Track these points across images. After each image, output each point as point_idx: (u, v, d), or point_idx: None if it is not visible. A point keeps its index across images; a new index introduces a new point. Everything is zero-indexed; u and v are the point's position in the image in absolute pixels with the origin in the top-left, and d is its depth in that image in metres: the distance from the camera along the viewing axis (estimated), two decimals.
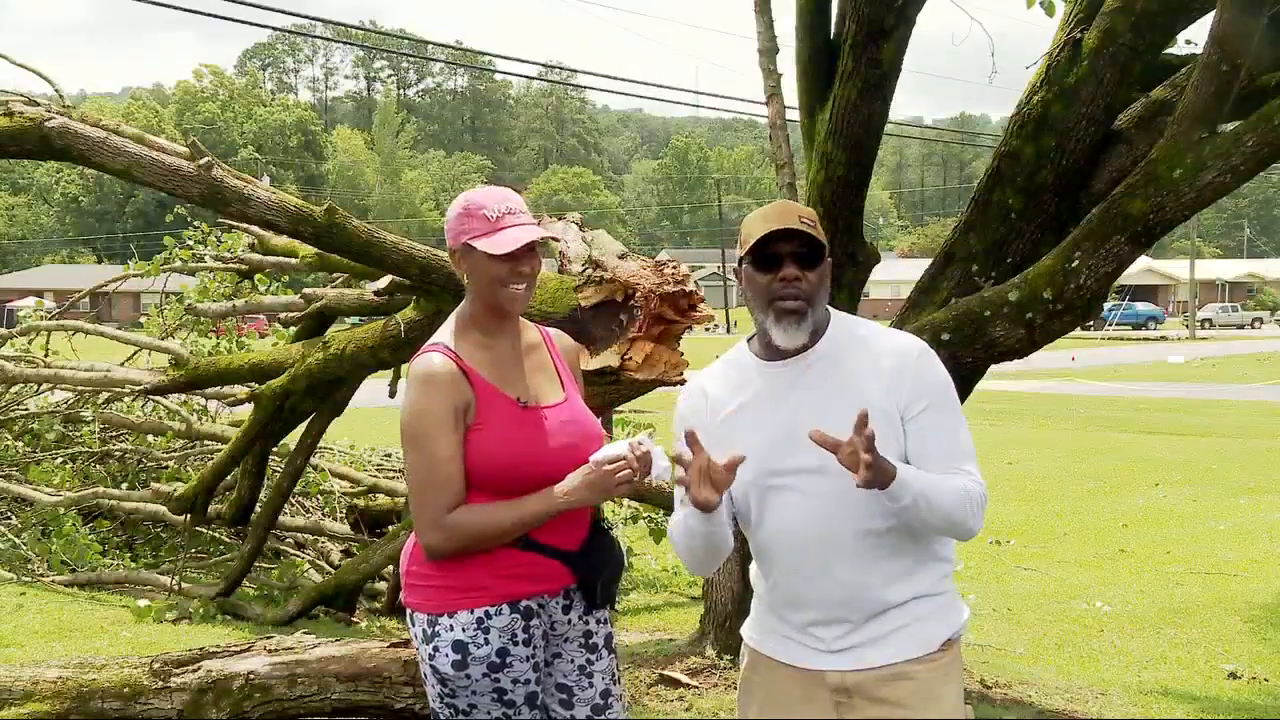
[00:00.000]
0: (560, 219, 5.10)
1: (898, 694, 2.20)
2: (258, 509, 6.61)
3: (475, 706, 2.38)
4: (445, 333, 2.48)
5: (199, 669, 3.58)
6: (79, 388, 7.98)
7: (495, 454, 2.36)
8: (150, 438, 8.09)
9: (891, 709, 2.20)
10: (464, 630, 2.36)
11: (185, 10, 11.91)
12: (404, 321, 5.18)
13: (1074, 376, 26.51)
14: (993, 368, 4.35)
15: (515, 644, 2.38)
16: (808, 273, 2.21)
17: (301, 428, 6.51)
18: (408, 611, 2.46)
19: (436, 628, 2.38)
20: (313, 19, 31.15)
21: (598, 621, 2.55)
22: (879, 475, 2.04)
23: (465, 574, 2.37)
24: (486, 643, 2.35)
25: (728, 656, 4.84)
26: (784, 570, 2.28)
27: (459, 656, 2.35)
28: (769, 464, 2.23)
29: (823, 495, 2.18)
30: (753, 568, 2.41)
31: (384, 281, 5.47)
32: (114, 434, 8.35)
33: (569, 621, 2.50)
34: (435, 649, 2.37)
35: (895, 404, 2.20)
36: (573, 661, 2.52)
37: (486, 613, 2.37)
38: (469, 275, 2.45)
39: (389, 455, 9.14)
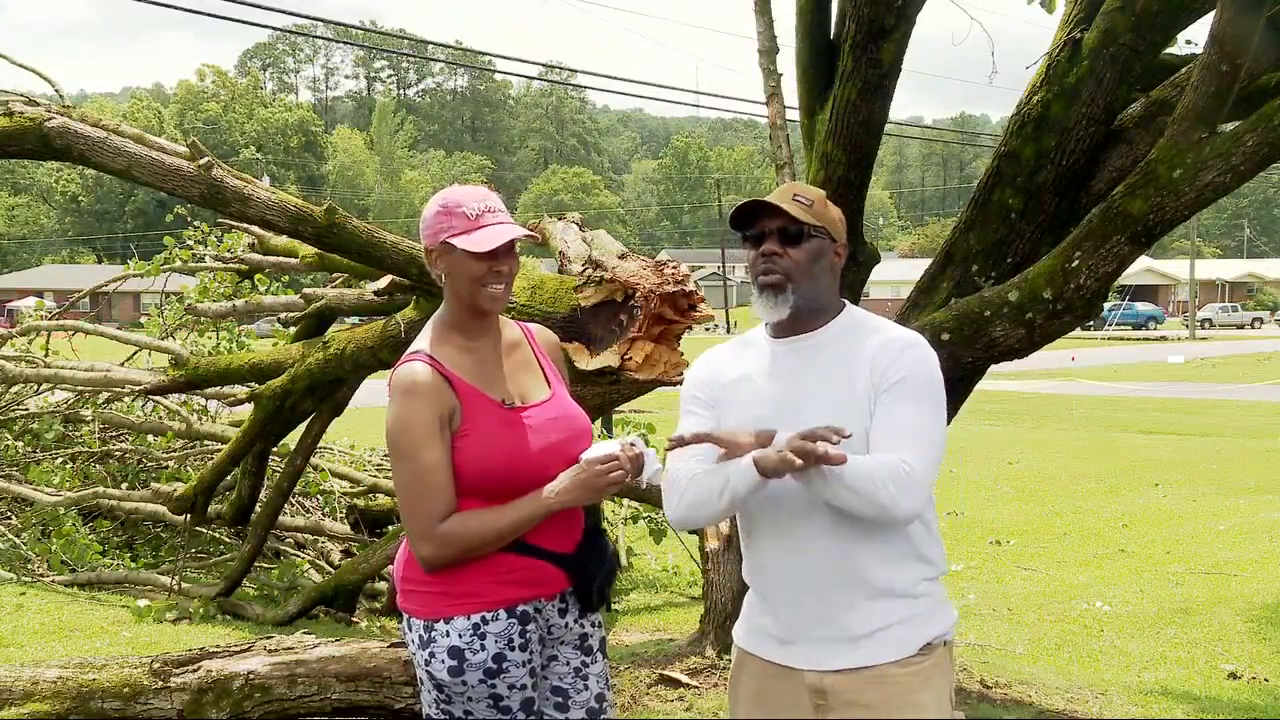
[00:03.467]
0: (560, 219, 5.11)
1: (872, 697, 2.19)
2: (258, 509, 6.60)
3: (471, 713, 2.37)
4: (424, 339, 2.45)
5: (199, 669, 3.59)
6: (79, 388, 7.98)
7: (483, 458, 2.34)
8: (150, 438, 8.10)
9: (865, 711, 2.19)
10: (460, 636, 2.34)
11: (185, 10, 11.93)
12: (404, 321, 5.18)
13: (1074, 376, 26.50)
14: (993, 368, 4.34)
15: (512, 649, 2.36)
16: (789, 249, 2.24)
17: (301, 428, 6.52)
18: (404, 616, 2.45)
19: (433, 634, 2.36)
20: (313, 19, 31.13)
21: (592, 625, 2.54)
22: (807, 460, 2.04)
23: (461, 580, 2.35)
24: (483, 649, 2.34)
25: (728, 656, 4.83)
26: (765, 545, 2.30)
27: (455, 663, 2.34)
28: None
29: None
30: (745, 563, 2.41)
31: (384, 281, 5.47)
32: (114, 434, 8.35)
33: (565, 625, 2.49)
34: (431, 655, 2.36)
35: (875, 387, 2.20)
36: (568, 664, 2.51)
37: (483, 618, 2.35)
38: (447, 275, 2.42)
39: (389, 455, 9.13)
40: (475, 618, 2.35)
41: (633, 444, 2.35)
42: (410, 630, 2.41)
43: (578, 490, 2.34)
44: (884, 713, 2.18)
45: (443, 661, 2.34)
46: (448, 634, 2.35)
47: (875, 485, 2.08)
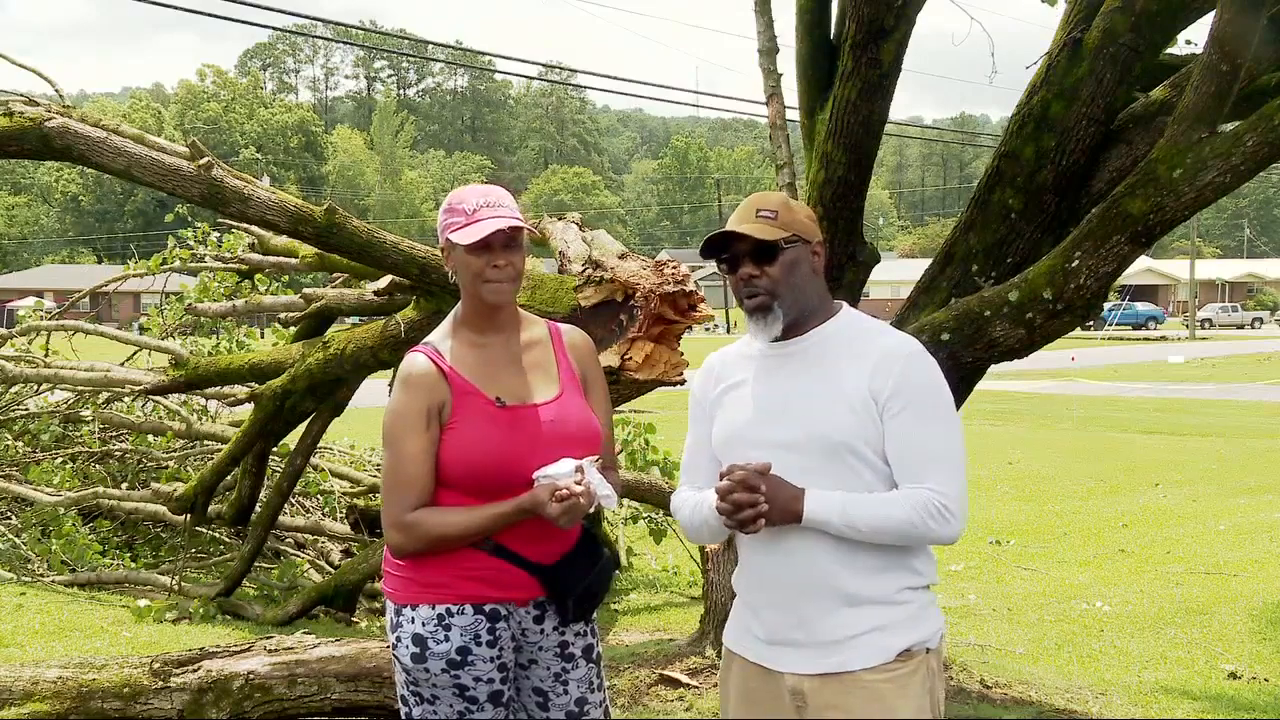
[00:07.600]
0: (560, 219, 5.10)
1: (847, 703, 2.20)
2: (258, 509, 6.61)
3: (438, 699, 2.41)
4: (437, 332, 2.51)
5: (199, 669, 3.59)
6: (79, 388, 7.98)
7: (466, 453, 2.37)
8: (150, 438, 8.09)
9: (840, 712, 2.20)
10: (424, 625, 2.39)
11: (185, 10, 11.92)
12: (404, 321, 5.18)
13: (1074, 376, 26.50)
14: (993, 368, 4.34)
15: (479, 644, 2.39)
16: (766, 267, 2.25)
17: (301, 428, 6.52)
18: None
19: (400, 618, 2.42)
20: (313, 19, 31.12)
21: (575, 634, 2.53)
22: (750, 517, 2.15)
23: (427, 569, 2.41)
24: (446, 639, 2.38)
25: None
26: (750, 549, 2.33)
27: (418, 650, 2.39)
28: (748, 434, 2.28)
29: (788, 471, 2.18)
30: (736, 566, 2.43)
31: (384, 281, 5.47)
32: (114, 434, 8.35)
33: (542, 632, 2.49)
34: (398, 639, 2.42)
35: (875, 396, 2.20)
36: (549, 669, 2.52)
37: (448, 610, 2.39)
38: (455, 272, 2.47)
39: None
40: (440, 608, 2.39)
41: (580, 469, 2.34)
42: (387, 611, 2.49)
43: (531, 509, 2.33)
44: (859, 716, 2.18)
45: (407, 647, 2.40)
46: (413, 620, 2.40)
47: (915, 526, 2.16)
